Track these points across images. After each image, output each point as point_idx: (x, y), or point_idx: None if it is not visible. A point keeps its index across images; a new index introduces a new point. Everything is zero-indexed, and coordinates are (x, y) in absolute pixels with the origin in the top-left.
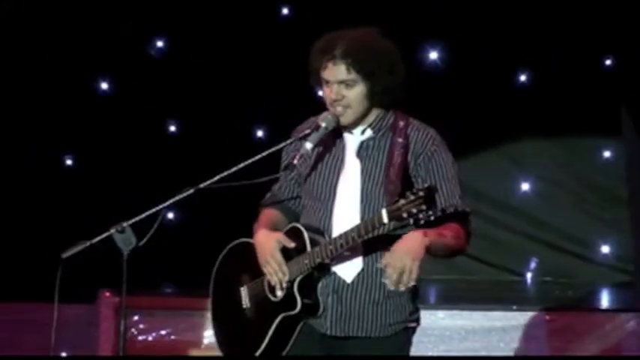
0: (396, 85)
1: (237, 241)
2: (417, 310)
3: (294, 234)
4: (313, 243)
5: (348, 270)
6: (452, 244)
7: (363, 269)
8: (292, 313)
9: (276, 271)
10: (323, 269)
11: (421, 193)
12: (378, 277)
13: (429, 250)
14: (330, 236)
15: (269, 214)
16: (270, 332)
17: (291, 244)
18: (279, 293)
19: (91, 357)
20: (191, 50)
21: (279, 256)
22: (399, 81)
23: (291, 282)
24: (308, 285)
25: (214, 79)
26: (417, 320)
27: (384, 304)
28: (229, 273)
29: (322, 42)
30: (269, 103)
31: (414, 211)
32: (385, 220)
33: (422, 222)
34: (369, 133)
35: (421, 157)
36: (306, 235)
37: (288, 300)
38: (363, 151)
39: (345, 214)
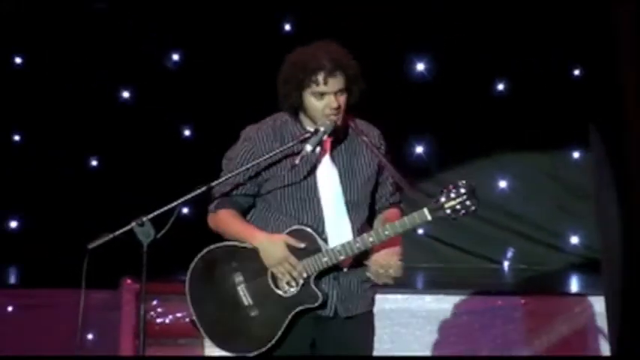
0: (364, 89)
1: (211, 248)
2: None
3: (301, 235)
4: (326, 243)
5: (347, 260)
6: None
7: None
8: (313, 305)
9: (290, 271)
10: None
11: (463, 190)
12: (363, 259)
13: None
14: (323, 235)
15: (232, 214)
16: (285, 325)
17: (301, 245)
18: (293, 289)
19: (97, 357)
20: (204, 63)
21: (293, 259)
22: (365, 86)
23: (307, 278)
24: (320, 278)
25: (224, 89)
26: None
27: (367, 282)
28: (215, 277)
29: (305, 61)
30: (272, 110)
31: (459, 207)
32: (429, 218)
33: (461, 214)
34: (334, 136)
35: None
36: (316, 236)
37: (306, 294)
38: (334, 152)
39: (334, 213)
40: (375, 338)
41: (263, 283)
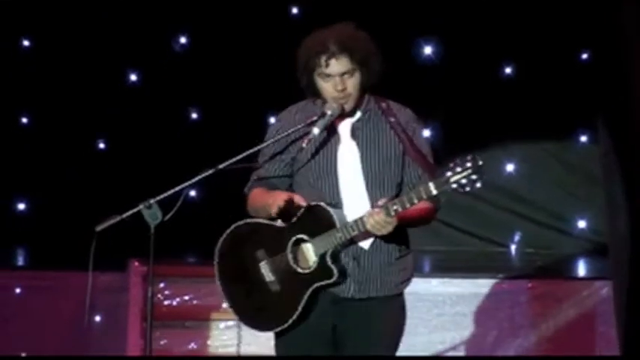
0: (381, 72)
1: (241, 222)
2: (413, 272)
3: (316, 212)
4: (340, 219)
5: (366, 238)
6: (419, 222)
7: (376, 235)
8: (329, 282)
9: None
10: (352, 241)
11: (468, 164)
12: (387, 241)
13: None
14: (340, 211)
15: (262, 190)
16: (303, 302)
17: (302, 203)
18: (311, 265)
19: (98, 357)
20: (210, 45)
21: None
22: (382, 67)
23: (322, 254)
24: (336, 255)
25: (231, 71)
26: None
27: (394, 265)
28: (240, 253)
29: (316, 42)
30: (280, 92)
31: (464, 182)
32: (434, 192)
33: (467, 189)
34: (358, 115)
35: (411, 134)
36: (331, 211)
37: (323, 271)
38: (356, 131)
39: (352, 190)
40: None
41: (284, 260)
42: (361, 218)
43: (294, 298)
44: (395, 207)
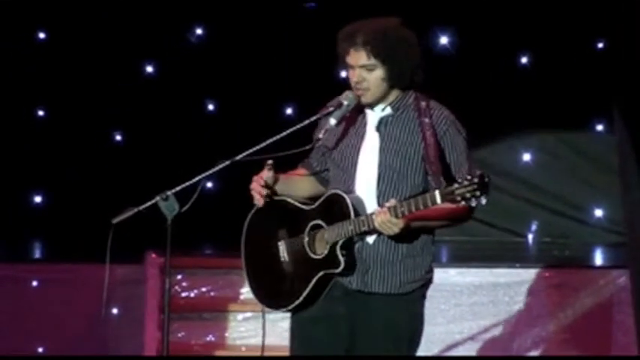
0: (411, 69)
1: (276, 198)
2: (431, 270)
3: (335, 200)
4: (356, 211)
5: (373, 232)
6: (435, 225)
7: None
8: (335, 271)
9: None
10: (363, 235)
11: (475, 180)
12: (397, 238)
13: (409, 229)
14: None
15: (299, 171)
16: (310, 287)
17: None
18: (322, 251)
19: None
20: (227, 37)
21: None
22: (414, 65)
23: (333, 243)
24: (348, 246)
25: (247, 63)
26: (431, 280)
27: (402, 263)
28: (265, 227)
29: (345, 31)
30: (297, 83)
31: (468, 195)
32: (439, 201)
33: (473, 204)
34: (388, 110)
35: (441, 136)
36: (349, 202)
37: (331, 259)
38: (382, 126)
39: (364, 184)
40: None
41: (299, 242)
42: (371, 215)
43: (302, 282)
44: (402, 209)
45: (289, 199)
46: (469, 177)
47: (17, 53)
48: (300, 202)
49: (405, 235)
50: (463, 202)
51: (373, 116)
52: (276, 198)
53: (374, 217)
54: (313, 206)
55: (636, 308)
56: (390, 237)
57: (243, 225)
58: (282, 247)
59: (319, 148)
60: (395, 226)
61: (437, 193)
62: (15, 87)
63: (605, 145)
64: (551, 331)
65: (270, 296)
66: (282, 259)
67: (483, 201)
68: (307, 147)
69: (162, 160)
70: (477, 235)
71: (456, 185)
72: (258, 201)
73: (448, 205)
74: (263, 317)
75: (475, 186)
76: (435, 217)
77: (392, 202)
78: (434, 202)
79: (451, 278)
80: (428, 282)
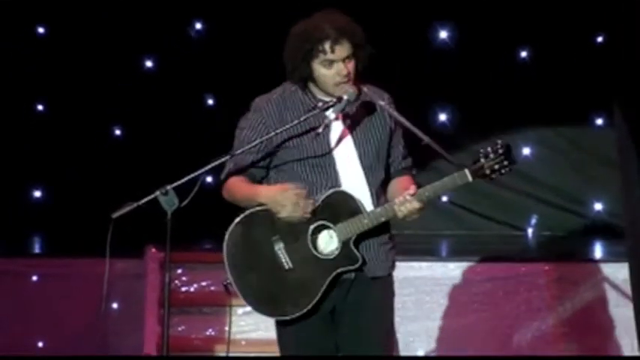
0: (371, 54)
1: (249, 212)
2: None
3: (340, 198)
4: (363, 205)
5: None
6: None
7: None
8: (353, 267)
9: (305, 208)
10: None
11: (501, 151)
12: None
13: None
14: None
15: (241, 179)
16: (324, 287)
17: (302, 190)
18: (333, 250)
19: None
20: (226, 31)
21: (303, 196)
22: (371, 50)
23: (347, 240)
24: (358, 241)
25: (246, 57)
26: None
27: (387, 244)
28: (255, 239)
29: (311, 31)
30: None
31: (497, 167)
32: (470, 179)
33: (503, 173)
34: (345, 100)
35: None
36: (356, 198)
37: (347, 256)
38: (347, 117)
39: (351, 179)
40: (399, 306)
41: (303, 246)
42: (391, 206)
43: (315, 284)
44: (427, 194)
45: (257, 209)
46: (493, 149)
47: (16, 48)
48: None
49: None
50: (494, 176)
51: (331, 109)
52: (255, 210)
53: (397, 207)
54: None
55: (636, 302)
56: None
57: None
58: (282, 255)
59: (259, 146)
60: (421, 211)
61: (467, 171)
62: (14, 82)
63: (605, 139)
64: (551, 324)
65: (279, 305)
66: (286, 266)
67: (511, 168)
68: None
69: (161, 154)
70: (476, 228)
71: (483, 160)
72: (303, 215)
73: (405, 179)
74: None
75: (502, 156)
76: (442, 188)
77: (413, 188)
78: (464, 181)
79: (450, 272)
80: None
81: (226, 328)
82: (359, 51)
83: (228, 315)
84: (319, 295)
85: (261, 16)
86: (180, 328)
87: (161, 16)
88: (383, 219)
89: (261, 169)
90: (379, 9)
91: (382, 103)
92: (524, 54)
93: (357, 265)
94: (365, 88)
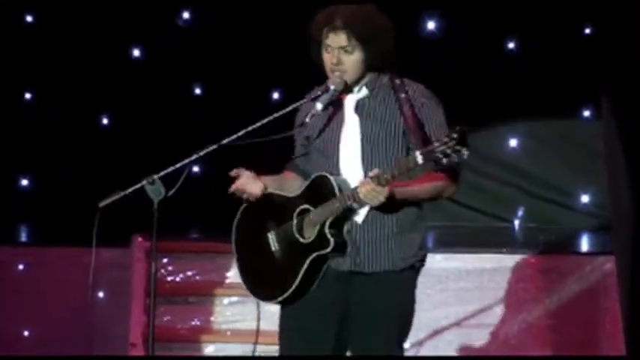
0: (388, 52)
1: (247, 202)
2: (424, 249)
3: (321, 181)
4: (340, 188)
5: (361, 210)
6: (419, 195)
7: (371, 208)
8: (325, 251)
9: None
10: (349, 211)
11: (454, 135)
12: (386, 216)
13: (395, 198)
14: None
15: (284, 174)
16: (302, 271)
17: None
18: (310, 234)
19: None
20: (213, 20)
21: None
22: (389, 48)
23: (322, 223)
24: (337, 226)
25: (234, 46)
26: (423, 260)
27: (394, 239)
28: (253, 222)
29: (324, 14)
30: (284, 68)
31: (448, 151)
32: (420, 161)
33: (455, 160)
34: (364, 91)
35: (418, 108)
36: (333, 180)
37: (321, 240)
38: (360, 108)
39: (349, 166)
40: None
41: (288, 230)
42: (355, 188)
43: (294, 268)
44: (385, 176)
45: (274, 192)
46: (447, 134)
47: (3, 37)
48: (279, 192)
49: (393, 211)
50: (445, 160)
51: (350, 99)
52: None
53: (359, 187)
54: (299, 192)
55: (622, 294)
56: (378, 210)
57: (228, 209)
58: (271, 237)
59: (302, 146)
60: (380, 194)
61: (417, 153)
62: (1, 71)
63: (592, 131)
64: (538, 316)
65: (264, 288)
66: (274, 249)
67: (465, 154)
68: (291, 133)
69: (149, 143)
70: (463, 220)
71: (436, 144)
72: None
73: (429, 178)
74: (242, 303)
75: (455, 141)
76: (419, 186)
77: (375, 171)
78: (415, 163)
79: (437, 263)
80: (419, 263)
81: (212, 318)
82: (365, 46)
83: (214, 305)
84: (299, 278)
85: (249, 6)
86: (165, 318)
87: (149, 5)
88: (350, 201)
89: (302, 159)
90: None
91: (403, 95)
92: (511, 45)
93: (328, 249)
94: (397, 81)
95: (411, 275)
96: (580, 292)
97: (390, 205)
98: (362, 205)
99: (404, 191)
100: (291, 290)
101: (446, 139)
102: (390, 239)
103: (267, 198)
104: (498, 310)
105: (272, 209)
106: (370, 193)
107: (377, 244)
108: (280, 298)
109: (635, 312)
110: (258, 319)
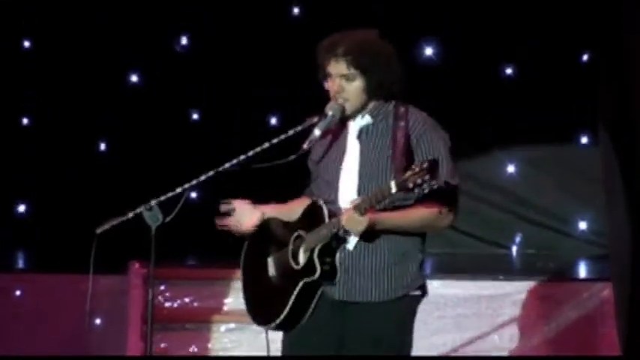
0: (391, 80)
1: (263, 220)
2: (421, 279)
3: (315, 208)
4: (331, 215)
5: (350, 239)
6: (403, 224)
7: (360, 237)
8: (312, 279)
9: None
10: (340, 239)
11: (425, 165)
12: (378, 245)
13: (375, 228)
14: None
15: (301, 199)
16: (293, 298)
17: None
18: (302, 261)
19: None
20: (211, 46)
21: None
22: (394, 77)
23: (311, 250)
24: (327, 253)
25: (232, 72)
26: (422, 289)
27: (384, 271)
28: (258, 246)
29: (327, 42)
30: (281, 93)
31: (419, 181)
32: (394, 190)
33: (425, 191)
34: (367, 119)
35: (416, 136)
36: (324, 207)
37: (309, 267)
38: (362, 134)
39: (347, 192)
40: None
41: (284, 255)
42: (339, 217)
43: (286, 294)
44: (364, 205)
45: (277, 217)
46: (419, 164)
47: (1, 62)
48: (282, 218)
49: (383, 240)
50: (416, 190)
51: (354, 126)
52: (268, 218)
53: (342, 216)
54: (298, 218)
55: (619, 321)
56: (365, 239)
57: (226, 236)
58: (270, 262)
59: (312, 171)
60: (359, 224)
61: (392, 182)
62: None
63: (590, 158)
64: (535, 343)
65: (262, 313)
66: (271, 274)
67: (434, 186)
68: (291, 158)
69: (146, 169)
70: (460, 246)
71: (409, 173)
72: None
73: (418, 206)
74: (240, 329)
75: (425, 171)
76: (404, 216)
77: (357, 200)
78: (389, 192)
79: (435, 290)
80: (417, 294)
81: (209, 345)
82: (365, 75)
83: (211, 331)
84: (289, 304)
85: (246, 31)
86: (162, 345)
87: (147, 31)
88: (335, 229)
89: (315, 184)
90: (364, 25)
91: (402, 124)
92: (509, 71)
93: (315, 277)
94: (402, 109)
95: (407, 304)
96: (577, 318)
97: (374, 235)
98: (347, 233)
99: (385, 221)
100: (282, 316)
101: (417, 169)
102: (382, 271)
103: (269, 223)
104: (496, 337)
105: (273, 234)
106: (349, 221)
107: (368, 274)
108: (273, 324)
109: (633, 338)
110: (268, 345)
